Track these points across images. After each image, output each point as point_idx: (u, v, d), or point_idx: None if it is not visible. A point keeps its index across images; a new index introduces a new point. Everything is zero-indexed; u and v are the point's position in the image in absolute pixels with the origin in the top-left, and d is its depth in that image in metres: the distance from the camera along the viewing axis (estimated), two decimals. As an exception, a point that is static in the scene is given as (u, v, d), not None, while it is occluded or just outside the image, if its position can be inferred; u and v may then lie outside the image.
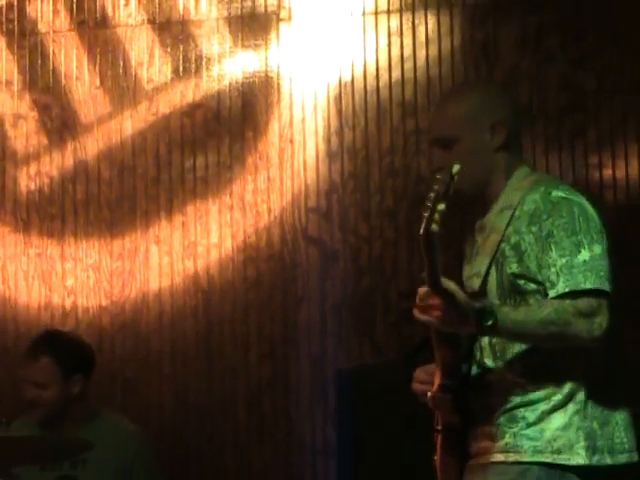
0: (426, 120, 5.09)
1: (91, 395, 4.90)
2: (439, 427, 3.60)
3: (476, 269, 3.61)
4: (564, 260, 3.48)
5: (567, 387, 3.47)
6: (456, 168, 3.41)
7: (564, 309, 3.44)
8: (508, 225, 3.61)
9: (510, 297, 3.54)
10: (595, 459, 3.42)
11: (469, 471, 3.54)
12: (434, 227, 3.32)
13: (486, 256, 3.62)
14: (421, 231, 3.34)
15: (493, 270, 3.59)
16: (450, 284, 3.40)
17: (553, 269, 3.49)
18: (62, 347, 4.87)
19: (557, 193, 3.58)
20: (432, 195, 3.36)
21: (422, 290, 3.40)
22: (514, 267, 3.55)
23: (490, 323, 3.40)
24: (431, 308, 3.41)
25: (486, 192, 3.69)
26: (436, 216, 3.36)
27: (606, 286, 3.43)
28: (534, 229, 3.54)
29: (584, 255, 3.49)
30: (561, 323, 3.42)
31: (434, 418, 3.62)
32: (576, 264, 3.48)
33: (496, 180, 3.68)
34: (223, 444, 5.26)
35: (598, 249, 3.49)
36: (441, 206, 3.35)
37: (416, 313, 3.41)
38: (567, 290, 3.42)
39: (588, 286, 3.43)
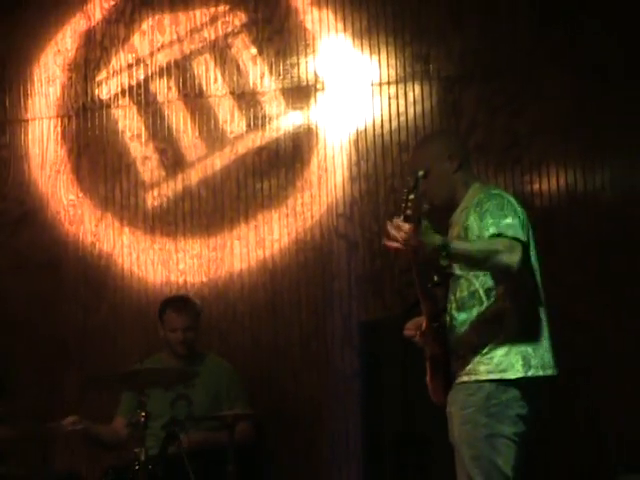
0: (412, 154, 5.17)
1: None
2: (428, 357, 3.67)
3: None
4: (494, 220, 3.50)
5: (505, 327, 3.53)
6: (421, 172, 3.45)
7: (494, 242, 3.46)
8: (464, 218, 3.63)
9: None
10: (530, 372, 3.49)
11: (451, 390, 3.63)
12: (408, 212, 3.32)
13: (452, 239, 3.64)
14: (401, 217, 3.30)
15: None
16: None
17: (487, 227, 3.50)
18: (195, 304, 5.04)
19: (494, 191, 3.69)
20: (405, 190, 3.37)
21: (396, 220, 3.31)
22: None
23: (445, 252, 3.34)
24: (400, 235, 3.28)
25: (454, 200, 3.73)
26: (409, 204, 3.34)
27: (522, 237, 3.48)
28: (477, 209, 3.57)
29: (508, 220, 3.51)
30: (492, 251, 3.42)
31: (424, 351, 3.70)
32: (502, 223, 3.50)
33: (459, 191, 3.74)
34: (285, 373, 5.33)
35: (517, 221, 3.52)
36: (411, 196, 3.35)
37: (387, 242, 3.32)
38: (496, 232, 3.47)
39: (510, 234, 3.47)
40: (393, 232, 3.28)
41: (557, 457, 4.81)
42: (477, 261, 3.46)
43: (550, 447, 4.66)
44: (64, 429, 4.60)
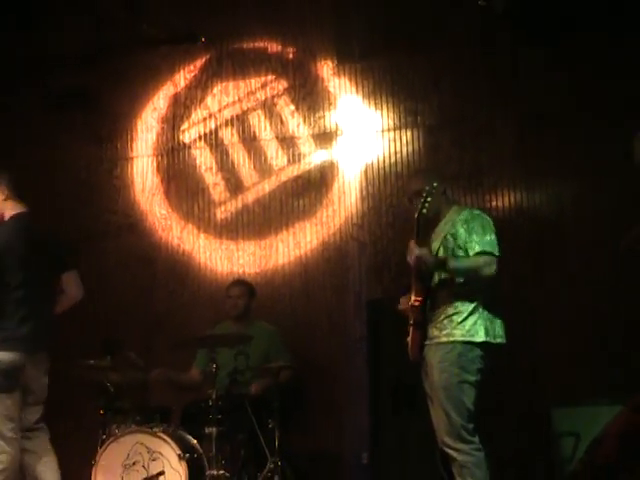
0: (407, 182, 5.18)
1: (252, 312, 5.37)
2: (412, 322, 3.88)
3: (431, 248, 3.86)
4: (479, 238, 3.74)
5: (474, 304, 3.76)
6: (435, 184, 3.68)
7: (478, 259, 3.71)
8: (450, 227, 3.82)
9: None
10: (488, 338, 3.77)
11: (427, 350, 3.81)
12: (424, 211, 3.61)
13: (438, 242, 3.90)
14: (416, 215, 3.63)
15: (441, 247, 3.85)
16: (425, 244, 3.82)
17: (474, 242, 3.74)
18: (247, 282, 5.31)
19: (475, 212, 3.95)
20: (424, 194, 3.64)
21: (411, 243, 3.64)
22: (452, 243, 3.79)
23: (442, 262, 3.63)
24: (414, 253, 3.65)
25: (438, 216, 3.93)
26: (426, 204, 3.61)
27: (497, 252, 3.76)
28: (465, 226, 3.79)
29: (488, 237, 3.76)
30: (476, 266, 3.69)
31: (408, 318, 3.87)
32: (485, 240, 3.74)
33: (443, 209, 3.95)
34: (321, 338, 5.40)
35: (494, 236, 3.79)
36: (429, 199, 3.63)
37: (408, 258, 3.65)
38: (480, 250, 3.72)
39: (489, 250, 3.74)
40: (410, 254, 3.62)
41: (506, 398, 4.88)
42: (466, 274, 3.75)
43: (502, 391, 4.80)
44: (152, 377, 4.84)
